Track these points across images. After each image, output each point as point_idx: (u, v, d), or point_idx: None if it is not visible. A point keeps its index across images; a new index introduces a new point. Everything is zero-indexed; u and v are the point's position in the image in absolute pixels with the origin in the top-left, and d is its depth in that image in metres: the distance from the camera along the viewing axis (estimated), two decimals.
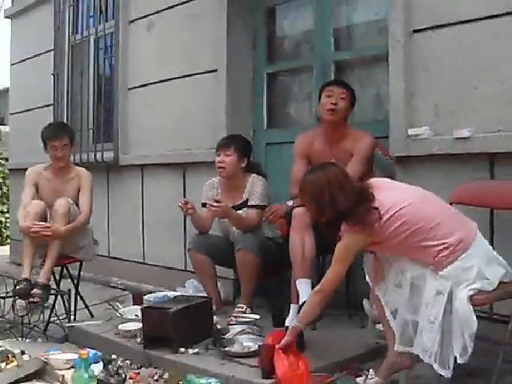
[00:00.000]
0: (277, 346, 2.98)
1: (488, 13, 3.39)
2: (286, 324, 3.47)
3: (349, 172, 3.70)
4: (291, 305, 3.58)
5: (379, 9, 4.21)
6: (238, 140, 4.28)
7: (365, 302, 3.32)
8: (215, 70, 5.07)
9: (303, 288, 3.50)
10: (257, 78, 5.11)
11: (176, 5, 5.45)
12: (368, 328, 3.51)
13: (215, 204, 3.95)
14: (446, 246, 2.72)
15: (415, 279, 2.79)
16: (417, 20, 3.72)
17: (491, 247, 2.87)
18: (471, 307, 2.65)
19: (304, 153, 4.07)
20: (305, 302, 3.43)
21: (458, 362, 2.65)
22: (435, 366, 2.69)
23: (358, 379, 3.03)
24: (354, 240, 2.82)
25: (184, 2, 5.37)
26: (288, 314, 3.56)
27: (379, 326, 3.32)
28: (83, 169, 4.77)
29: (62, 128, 4.81)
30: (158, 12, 5.67)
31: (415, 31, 3.73)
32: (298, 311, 3.33)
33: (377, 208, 2.74)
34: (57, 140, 4.52)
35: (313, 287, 3.54)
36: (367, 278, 3.01)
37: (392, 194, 2.85)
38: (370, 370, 3.01)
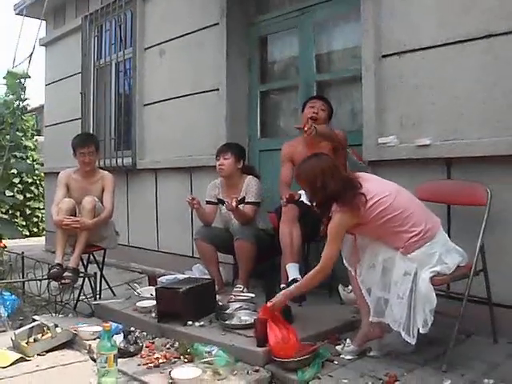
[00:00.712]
0: (268, 304, 3.02)
1: (443, 41, 3.41)
2: None
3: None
4: (282, 285, 3.57)
5: (353, 38, 4.19)
6: (234, 146, 4.28)
7: (340, 287, 3.30)
8: (217, 89, 5.05)
9: (292, 270, 3.51)
10: (252, 95, 5.10)
11: (183, 35, 5.46)
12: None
13: (228, 202, 3.93)
14: (415, 233, 2.74)
15: (386, 262, 2.81)
16: (385, 47, 3.72)
17: (449, 239, 2.88)
18: (432, 286, 2.67)
19: (289, 157, 4.07)
20: (294, 279, 3.44)
21: (421, 332, 2.66)
22: (403, 334, 2.71)
23: (337, 347, 3.03)
24: (342, 219, 2.80)
25: (190, 33, 5.37)
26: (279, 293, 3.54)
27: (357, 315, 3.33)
28: (107, 172, 4.75)
29: (90, 138, 4.79)
30: (168, 41, 5.68)
31: (384, 56, 3.73)
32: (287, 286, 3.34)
33: (363, 194, 2.76)
34: (84, 148, 4.51)
35: (300, 270, 3.54)
36: (345, 261, 3.00)
37: (376, 185, 2.87)
38: (347, 340, 3.01)
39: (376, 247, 2.85)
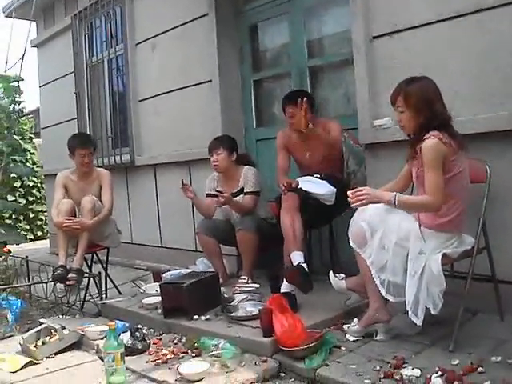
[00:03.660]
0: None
1: (433, 18, 3.37)
2: (283, 290, 3.47)
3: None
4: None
5: (344, 21, 4.16)
6: (225, 140, 4.26)
7: (331, 274, 3.27)
8: (210, 81, 5.03)
9: (296, 258, 3.49)
10: (245, 84, 5.08)
11: (173, 28, 5.43)
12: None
13: (220, 195, 3.93)
14: (456, 215, 2.76)
15: (401, 240, 2.79)
16: (375, 28, 3.69)
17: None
18: (441, 268, 2.67)
19: (284, 145, 4.08)
20: (298, 263, 3.43)
21: (432, 313, 2.67)
22: (410, 314, 2.70)
23: (344, 325, 3.07)
24: (439, 146, 2.66)
25: (180, 25, 5.34)
26: (283, 282, 3.54)
27: (349, 302, 3.33)
28: (103, 169, 4.77)
29: (88, 139, 4.77)
30: (158, 35, 5.65)
31: (374, 37, 3.70)
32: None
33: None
34: (85, 149, 4.50)
35: (304, 258, 3.52)
36: (351, 242, 2.93)
37: None
38: (355, 319, 3.03)
39: (391, 226, 2.81)
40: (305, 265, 3.46)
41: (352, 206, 2.84)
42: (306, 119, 3.64)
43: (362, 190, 2.79)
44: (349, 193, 2.83)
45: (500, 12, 3.09)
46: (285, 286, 3.49)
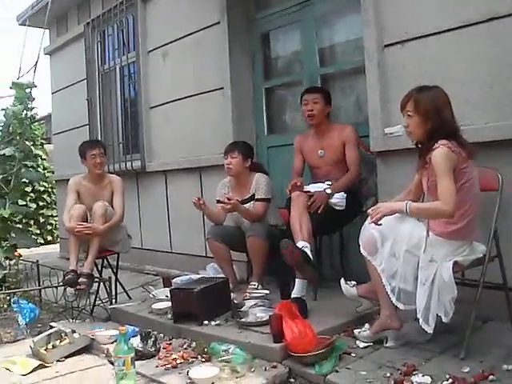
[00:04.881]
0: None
1: (445, 27, 3.38)
2: (293, 296, 3.46)
3: (349, 155, 3.78)
4: (296, 279, 3.55)
5: (355, 29, 4.17)
6: (241, 145, 4.28)
7: (342, 281, 3.27)
8: (222, 88, 5.05)
9: (301, 244, 3.47)
10: (257, 92, 5.10)
11: (185, 36, 5.45)
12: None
13: (226, 201, 3.95)
14: (467, 222, 2.75)
15: (412, 247, 2.79)
16: (386, 36, 3.70)
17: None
18: (452, 276, 2.66)
19: (299, 148, 4.16)
20: (302, 246, 3.42)
21: (444, 321, 2.66)
22: (421, 322, 2.69)
23: (355, 330, 3.06)
24: (449, 154, 2.66)
25: (192, 33, 5.36)
26: (293, 288, 3.54)
27: (360, 308, 3.30)
28: (114, 175, 4.81)
29: (97, 140, 4.84)
30: (170, 43, 5.67)
31: (386, 46, 3.70)
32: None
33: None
34: (95, 149, 4.57)
35: (310, 251, 3.48)
36: (362, 249, 2.94)
37: None
38: (366, 325, 3.03)
39: (402, 233, 2.82)
40: (309, 251, 3.43)
41: (370, 222, 2.85)
42: (323, 112, 3.89)
43: (376, 208, 2.83)
44: (369, 211, 2.86)
45: (511, 21, 3.09)
46: (296, 292, 3.48)
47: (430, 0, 3.47)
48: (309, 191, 3.76)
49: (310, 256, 3.42)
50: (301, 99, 4.06)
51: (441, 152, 2.67)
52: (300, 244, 3.46)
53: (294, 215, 3.63)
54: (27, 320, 4.03)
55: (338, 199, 3.74)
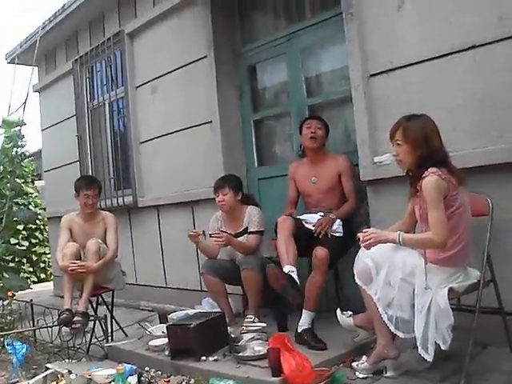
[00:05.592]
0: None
1: (430, 55, 3.44)
2: (301, 328, 3.48)
3: (347, 186, 3.83)
4: (303, 310, 3.55)
5: (340, 59, 4.22)
6: (230, 179, 4.30)
7: (338, 311, 3.26)
8: (210, 122, 5.09)
9: (287, 268, 3.47)
10: (245, 124, 5.14)
11: (172, 70, 5.50)
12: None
13: (218, 236, 3.97)
14: (459, 249, 2.76)
15: (407, 276, 2.80)
16: (372, 66, 3.75)
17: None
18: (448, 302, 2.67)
19: (292, 177, 4.20)
20: (289, 271, 3.42)
21: (442, 348, 2.65)
22: (420, 350, 2.68)
23: (353, 363, 3.04)
24: (439, 182, 2.68)
25: (179, 68, 5.42)
26: (299, 320, 3.54)
27: (357, 338, 3.28)
28: (107, 212, 4.79)
29: (94, 181, 4.83)
30: (158, 77, 5.72)
31: (371, 75, 3.76)
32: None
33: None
34: (90, 190, 4.56)
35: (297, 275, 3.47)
36: (357, 279, 2.94)
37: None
38: (363, 357, 3.02)
39: (396, 262, 2.82)
40: (295, 275, 3.42)
41: (362, 245, 2.86)
42: (322, 139, 4.01)
43: (369, 232, 2.84)
44: (359, 235, 2.87)
45: (494, 47, 3.15)
46: (303, 323, 3.50)
47: (414, 29, 3.54)
48: (303, 220, 3.80)
49: (297, 280, 3.41)
50: (301, 126, 4.10)
51: (431, 181, 2.70)
52: (286, 268, 3.46)
53: (280, 239, 3.65)
54: (22, 361, 3.97)
55: (337, 226, 3.77)
